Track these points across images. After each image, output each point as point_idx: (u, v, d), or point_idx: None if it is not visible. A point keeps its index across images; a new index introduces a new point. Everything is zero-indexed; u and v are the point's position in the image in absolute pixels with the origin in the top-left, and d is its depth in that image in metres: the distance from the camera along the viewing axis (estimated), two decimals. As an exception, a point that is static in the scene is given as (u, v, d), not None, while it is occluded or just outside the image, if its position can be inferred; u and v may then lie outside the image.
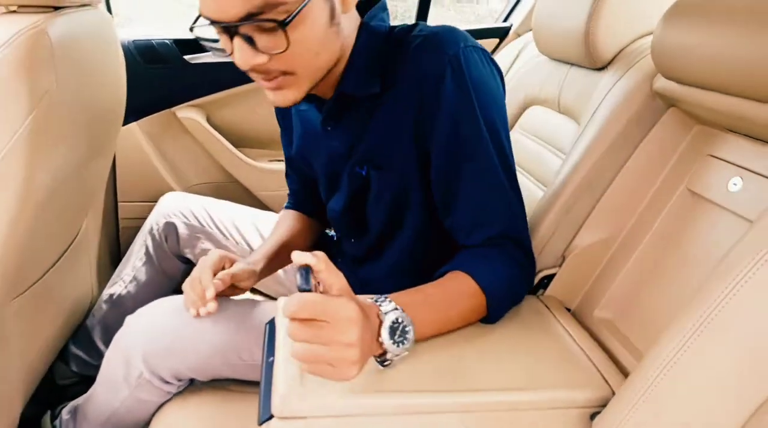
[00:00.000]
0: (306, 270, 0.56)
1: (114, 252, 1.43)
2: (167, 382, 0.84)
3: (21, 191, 0.75)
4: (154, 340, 0.83)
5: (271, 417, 0.58)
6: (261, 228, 1.17)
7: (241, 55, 0.64)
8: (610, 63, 0.97)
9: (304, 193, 1.05)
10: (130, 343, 0.84)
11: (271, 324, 0.73)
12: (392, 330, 0.61)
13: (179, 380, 0.86)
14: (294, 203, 1.07)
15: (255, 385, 0.85)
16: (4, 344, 0.81)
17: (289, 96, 0.71)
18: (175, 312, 0.84)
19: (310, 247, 1.05)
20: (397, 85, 0.75)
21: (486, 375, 0.64)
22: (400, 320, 0.61)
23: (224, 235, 1.16)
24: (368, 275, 0.90)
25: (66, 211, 0.99)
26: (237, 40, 0.64)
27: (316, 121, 0.86)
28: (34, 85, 0.73)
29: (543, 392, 0.63)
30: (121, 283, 1.17)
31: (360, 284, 0.84)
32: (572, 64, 1.08)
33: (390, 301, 0.63)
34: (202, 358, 0.83)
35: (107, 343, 1.13)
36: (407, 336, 0.62)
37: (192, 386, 0.87)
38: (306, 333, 0.54)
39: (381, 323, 0.61)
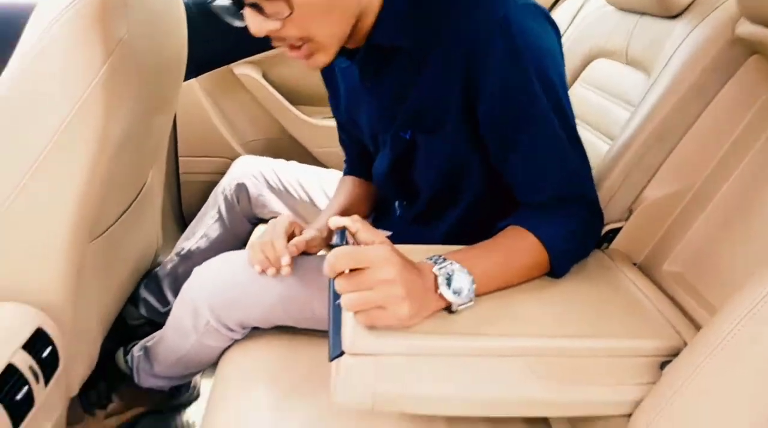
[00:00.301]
0: (342, 231, 0.58)
1: (175, 205, 1.48)
2: (232, 330, 0.88)
3: (98, 140, 0.78)
4: (220, 292, 0.87)
5: (341, 353, 0.59)
6: (326, 188, 1.19)
7: (252, 23, 0.66)
8: (685, 10, 0.93)
9: (359, 158, 1.04)
10: (197, 294, 0.88)
11: None
12: (449, 281, 0.61)
13: (244, 328, 0.89)
14: (350, 169, 1.06)
15: (319, 331, 0.88)
16: (86, 283, 0.86)
17: (320, 60, 0.71)
18: (241, 266, 0.88)
19: (371, 211, 1.05)
20: (442, 43, 0.71)
21: (550, 323, 0.64)
22: (455, 271, 0.62)
23: (292, 196, 1.19)
24: (420, 239, 0.90)
25: (134, 163, 1.02)
26: (246, 9, 0.66)
27: (357, 77, 0.84)
28: (109, 34, 0.74)
29: (610, 340, 0.62)
30: (193, 239, 1.23)
31: None
32: (642, 14, 1.03)
33: (444, 258, 0.64)
34: (266, 311, 0.86)
35: (175, 292, 1.20)
36: (466, 286, 0.62)
37: (257, 330, 0.90)
38: (349, 283, 0.56)
39: (437, 277, 0.61)
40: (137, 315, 1.25)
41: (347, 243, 0.58)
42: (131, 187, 1.05)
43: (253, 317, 0.87)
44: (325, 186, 1.19)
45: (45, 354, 0.76)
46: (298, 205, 1.19)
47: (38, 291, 0.79)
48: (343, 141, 1.06)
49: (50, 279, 0.79)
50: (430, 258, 0.63)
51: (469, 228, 0.84)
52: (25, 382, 0.71)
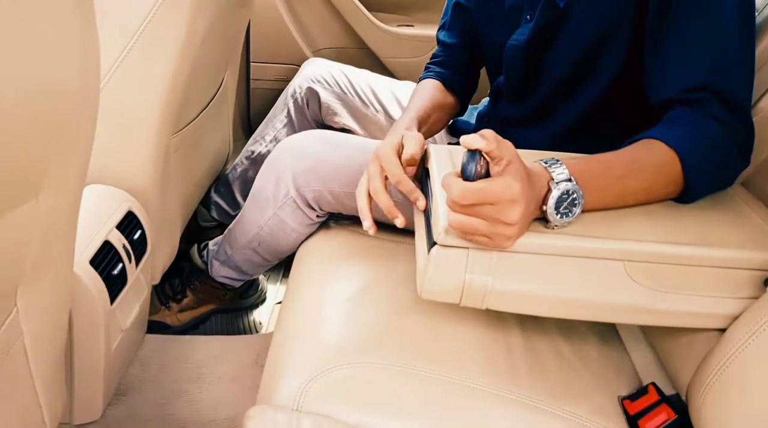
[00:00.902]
0: (472, 154, 0.54)
1: (244, 111, 1.48)
2: (310, 207, 0.89)
3: (187, 32, 0.78)
4: (303, 160, 0.88)
5: (433, 244, 0.59)
6: (399, 97, 1.16)
7: None
8: None
9: (458, 56, 0.96)
10: (281, 163, 0.90)
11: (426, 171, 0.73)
12: (559, 202, 0.58)
13: (321, 209, 0.90)
14: (439, 72, 0.96)
15: (401, 234, 0.87)
16: (169, 175, 0.88)
17: None
18: (325, 141, 0.89)
19: (447, 124, 0.99)
20: None
21: (653, 229, 0.61)
22: (570, 192, 0.58)
23: (364, 103, 1.17)
24: (525, 140, 0.86)
25: (214, 60, 1.02)
26: None
27: None
28: None
29: (714, 249, 0.60)
30: (262, 142, 1.23)
31: None
32: None
33: (563, 168, 0.58)
34: (346, 184, 0.86)
35: (244, 195, 1.22)
36: (574, 209, 0.58)
37: (336, 225, 0.91)
38: (466, 209, 0.54)
39: (549, 191, 0.58)
40: (209, 218, 1.28)
41: (476, 173, 0.53)
42: (210, 85, 1.06)
43: (332, 190, 0.87)
44: (400, 96, 1.16)
45: (136, 236, 0.79)
46: (369, 115, 1.17)
47: (130, 175, 0.81)
48: (449, 30, 0.98)
49: (141, 164, 0.81)
50: (546, 163, 0.59)
51: (584, 130, 0.79)
52: (120, 260, 0.75)
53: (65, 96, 0.42)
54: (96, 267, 0.70)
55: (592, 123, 0.80)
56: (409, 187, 0.68)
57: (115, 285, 0.74)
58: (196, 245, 1.16)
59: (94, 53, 0.45)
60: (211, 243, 1.12)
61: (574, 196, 0.58)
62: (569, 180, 0.58)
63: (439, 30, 1.00)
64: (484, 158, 0.54)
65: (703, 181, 0.64)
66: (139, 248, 0.80)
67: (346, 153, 0.87)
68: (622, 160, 0.63)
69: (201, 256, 1.13)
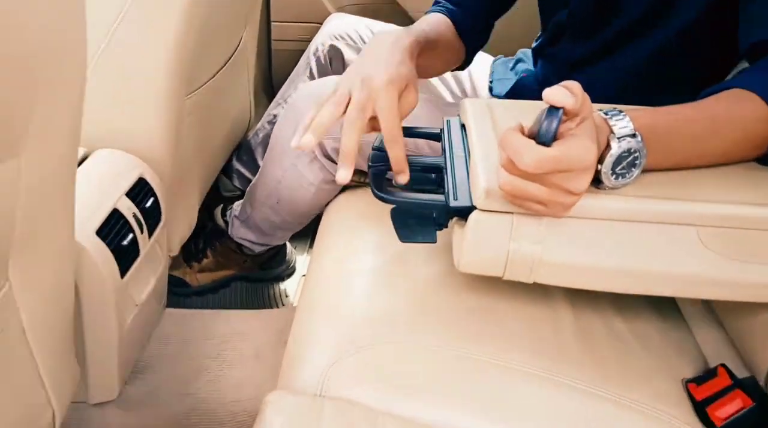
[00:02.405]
0: (553, 111, 0.44)
1: (266, 74, 1.41)
2: (330, 159, 0.82)
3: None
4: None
5: (471, 208, 0.51)
6: None
7: None
8: None
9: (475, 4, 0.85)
10: (300, 109, 0.83)
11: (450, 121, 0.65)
12: (618, 161, 0.49)
13: None
14: (449, 8, 0.83)
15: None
16: (184, 140, 0.82)
17: None
18: None
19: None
20: None
21: (729, 189, 0.53)
22: (632, 150, 0.49)
23: None
24: (586, 84, 0.76)
25: (229, 18, 0.95)
26: None
27: None
28: None
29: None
30: (284, 104, 1.16)
31: None
32: None
33: (626, 121, 0.49)
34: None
35: (268, 161, 1.16)
36: (633, 170, 0.50)
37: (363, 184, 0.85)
38: (529, 175, 0.45)
39: (607, 147, 0.48)
40: (231, 187, 1.23)
41: (554, 135, 0.44)
42: (226, 44, 0.99)
43: None
44: None
45: (148, 204, 0.73)
46: None
47: (140, 140, 0.75)
48: None
49: (151, 128, 0.75)
50: (607, 114, 0.50)
51: (655, 73, 0.69)
52: (130, 229, 0.69)
53: (31, 35, 0.36)
54: (104, 238, 0.65)
55: (662, 70, 0.70)
56: (401, 154, 0.58)
57: (125, 256, 0.68)
58: (220, 206, 1.12)
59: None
60: (235, 204, 1.08)
61: (636, 154, 0.49)
62: (633, 135, 0.49)
63: None
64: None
65: None
66: (152, 217, 0.75)
67: None
68: (700, 116, 0.53)
69: (223, 217, 1.09)
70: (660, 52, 0.70)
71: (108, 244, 0.65)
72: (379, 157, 0.61)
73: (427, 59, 0.71)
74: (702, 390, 0.59)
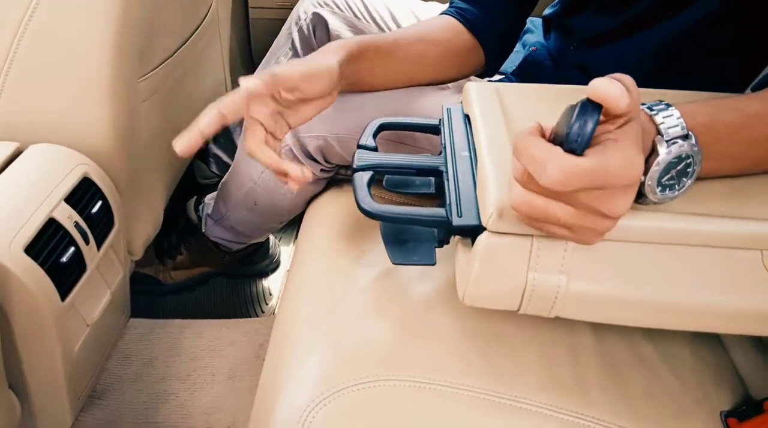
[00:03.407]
0: (588, 109, 0.33)
1: (244, 46, 1.28)
2: (312, 158, 0.72)
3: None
4: None
5: (480, 228, 0.41)
6: (421, 18, 0.94)
7: None
8: None
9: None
10: None
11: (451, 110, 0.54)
12: (665, 170, 0.38)
13: (327, 162, 0.73)
14: (461, 9, 0.72)
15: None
16: (142, 129, 0.70)
17: None
18: None
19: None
20: None
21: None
22: (683, 157, 0.38)
23: (381, 30, 0.95)
24: (606, 61, 0.64)
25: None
26: None
27: None
28: None
29: None
30: None
31: (585, 76, 0.59)
32: None
33: (676, 117, 0.38)
34: (356, 129, 0.67)
35: (249, 145, 1.04)
36: (684, 180, 0.39)
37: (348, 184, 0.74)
38: (553, 193, 0.35)
39: (653, 153, 0.38)
40: (209, 174, 1.12)
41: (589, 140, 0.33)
42: (190, 13, 0.86)
43: (338, 136, 0.69)
44: (420, 16, 0.95)
45: (94, 209, 0.62)
46: None
47: (82, 132, 0.64)
48: None
49: (96, 118, 0.64)
50: (652, 109, 0.39)
51: (681, 59, 0.58)
52: (72, 242, 0.58)
53: None
54: (35, 256, 0.54)
55: (695, 47, 0.59)
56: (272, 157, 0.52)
57: (66, 274, 0.58)
58: (194, 198, 1.02)
59: None
60: (207, 197, 0.98)
61: (689, 161, 0.38)
62: (685, 136, 0.38)
63: None
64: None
65: None
66: (100, 224, 0.64)
67: (357, 95, 0.68)
68: (763, 111, 0.42)
69: (197, 211, 0.98)
70: (692, 30, 0.59)
71: (42, 263, 0.54)
72: (367, 157, 0.51)
73: (380, 66, 0.65)
74: (745, 428, 0.49)
